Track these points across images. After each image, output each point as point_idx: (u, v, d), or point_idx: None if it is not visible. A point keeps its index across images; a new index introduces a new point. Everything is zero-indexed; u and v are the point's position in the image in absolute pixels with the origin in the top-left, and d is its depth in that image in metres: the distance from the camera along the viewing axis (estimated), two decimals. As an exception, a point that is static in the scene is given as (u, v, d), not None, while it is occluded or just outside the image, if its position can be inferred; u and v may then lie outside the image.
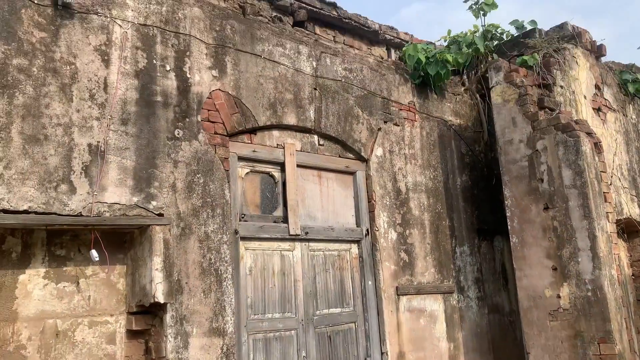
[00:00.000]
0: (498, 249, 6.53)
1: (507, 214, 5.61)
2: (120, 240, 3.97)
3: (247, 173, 4.64)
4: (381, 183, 5.45)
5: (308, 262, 4.85)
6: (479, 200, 6.38)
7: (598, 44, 6.71)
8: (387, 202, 5.45)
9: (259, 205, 4.70)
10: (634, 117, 7.12)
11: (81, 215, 3.57)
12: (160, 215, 3.91)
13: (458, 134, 6.41)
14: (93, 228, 3.67)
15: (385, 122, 5.67)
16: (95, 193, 3.65)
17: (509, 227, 5.58)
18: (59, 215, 3.48)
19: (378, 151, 5.52)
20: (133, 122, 3.93)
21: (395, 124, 5.77)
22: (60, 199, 3.52)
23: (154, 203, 3.90)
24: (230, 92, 4.51)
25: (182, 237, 3.98)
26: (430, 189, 5.90)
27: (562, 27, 6.48)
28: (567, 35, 6.37)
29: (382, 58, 6.52)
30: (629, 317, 5.36)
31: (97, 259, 3.64)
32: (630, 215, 6.34)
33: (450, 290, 5.74)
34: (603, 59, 6.98)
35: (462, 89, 6.70)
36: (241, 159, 4.57)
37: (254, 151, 4.63)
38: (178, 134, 4.12)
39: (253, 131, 4.67)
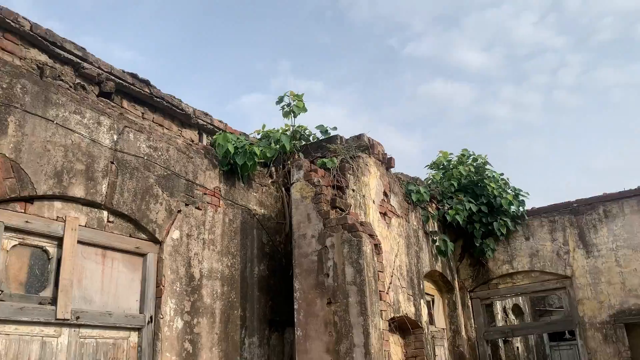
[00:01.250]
0: (288, 341, 6.60)
1: (295, 307, 5.77)
2: None
3: (14, 246, 4.14)
4: (173, 268, 5.27)
5: (76, 350, 4.36)
6: (274, 291, 6.47)
7: (388, 156, 7.60)
8: (178, 288, 5.25)
9: (24, 283, 4.18)
10: (415, 223, 8.05)
11: None
12: None
13: (261, 224, 6.57)
14: None
15: (187, 204, 5.60)
16: None
17: (295, 320, 5.71)
18: None
19: (175, 234, 5.38)
20: None
21: (198, 208, 5.73)
22: None
23: None
24: (7, 155, 4.08)
25: None
26: (226, 277, 5.85)
27: (359, 137, 7.24)
28: (364, 145, 7.12)
29: (193, 141, 6.55)
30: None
31: None
32: (406, 314, 6.96)
33: (234, 383, 5.58)
34: (393, 170, 7.89)
35: (270, 181, 6.97)
36: (9, 229, 4.08)
37: (26, 222, 4.18)
38: None
39: (30, 200, 4.24)
